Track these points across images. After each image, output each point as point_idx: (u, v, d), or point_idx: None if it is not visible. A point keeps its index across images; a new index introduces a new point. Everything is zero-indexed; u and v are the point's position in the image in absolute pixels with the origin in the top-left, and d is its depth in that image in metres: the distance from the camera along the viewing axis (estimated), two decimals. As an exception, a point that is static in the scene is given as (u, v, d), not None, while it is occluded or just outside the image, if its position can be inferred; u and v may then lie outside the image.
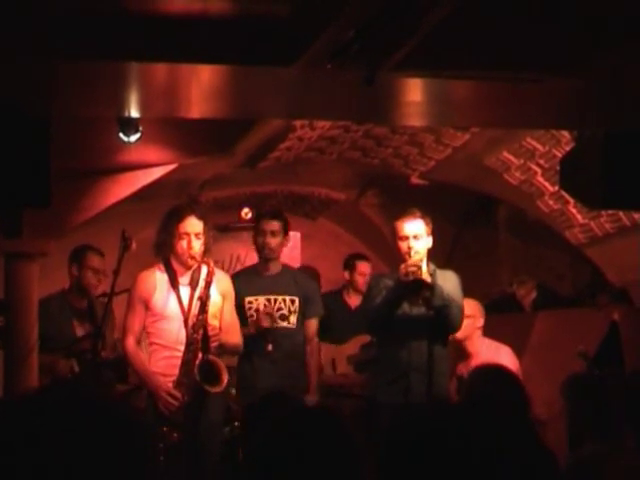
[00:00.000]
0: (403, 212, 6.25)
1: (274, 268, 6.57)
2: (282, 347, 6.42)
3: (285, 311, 6.48)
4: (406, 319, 6.19)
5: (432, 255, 6.31)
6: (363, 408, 6.63)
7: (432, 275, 6.17)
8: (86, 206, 6.95)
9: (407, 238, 6.12)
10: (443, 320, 6.10)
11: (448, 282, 6.22)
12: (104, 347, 6.58)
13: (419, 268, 6.01)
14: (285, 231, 6.54)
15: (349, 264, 8.34)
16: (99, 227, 7.37)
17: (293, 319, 6.49)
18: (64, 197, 5.98)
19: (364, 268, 8.28)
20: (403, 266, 6.05)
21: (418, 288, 6.00)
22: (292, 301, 6.51)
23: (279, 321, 6.44)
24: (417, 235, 6.12)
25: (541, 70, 4.16)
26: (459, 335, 6.53)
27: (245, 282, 6.44)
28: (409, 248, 6.10)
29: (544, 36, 3.83)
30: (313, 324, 6.61)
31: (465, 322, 6.42)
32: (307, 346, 6.56)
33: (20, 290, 6.75)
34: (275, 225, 6.50)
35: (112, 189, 6.95)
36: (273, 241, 6.48)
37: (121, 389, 6.72)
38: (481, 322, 6.78)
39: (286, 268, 6.69)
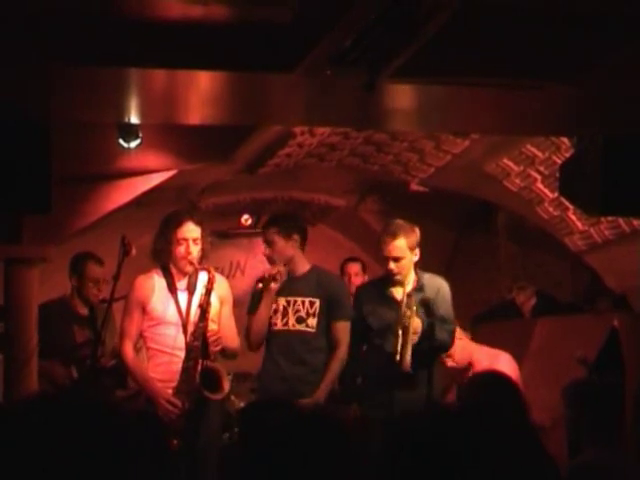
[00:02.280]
0: (386, 228, 6.21)
1: (298, 269, 6.36)
2: (294, 351, 6.29)
3: (303, 313, 6.30)
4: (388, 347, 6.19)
5: (432, 262, 6.30)
6: (357, 413, 6.58)
7: (420, 289, 6.16)
8: (86, 212, 6.94)
9: (387, 259, 6.12)
10: (433, 352, 6.15)
11: (440, 297, 6.21)
12: (104, 354, 6.57)
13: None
14: (287, 234, 6.27)
15: (341, 268, 8.36)
16: (99, 233, 7.36)
17: (312, 322, 6.29)
18: (64, 203, 5.97)
19: (350, 269, 8.28)
20: None
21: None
22: (311, 303, 6.32)
23: (296, 324, 6.36)
24: (397, 257, 6.11)
25: (540, 76, 4.16)
26: (462, 361, 6.53)
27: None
28: (390, 270, 6.12)
29: (543, 42, 3.83)
30: (340, 327, 6.32)
31: (458, 346, 6.43)
32: (334, 351, 6.32)
33: (20, 295, 6.74)
34: (269, 234, 6.31)
35: (112, 195, 6.94)
36: (268, 251, 6.30)
37: (120, 395, 6.71)
38: (464, 335, 6.75)
39: (314, 269, 6.45)
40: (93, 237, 7.40)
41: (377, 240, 6.27)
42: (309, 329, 6.29)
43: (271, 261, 6.31)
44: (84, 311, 6.86)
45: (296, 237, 6.30)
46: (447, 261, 9.37)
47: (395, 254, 6.10)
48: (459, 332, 6.56)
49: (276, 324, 6.30)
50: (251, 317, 6.32)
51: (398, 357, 5.96)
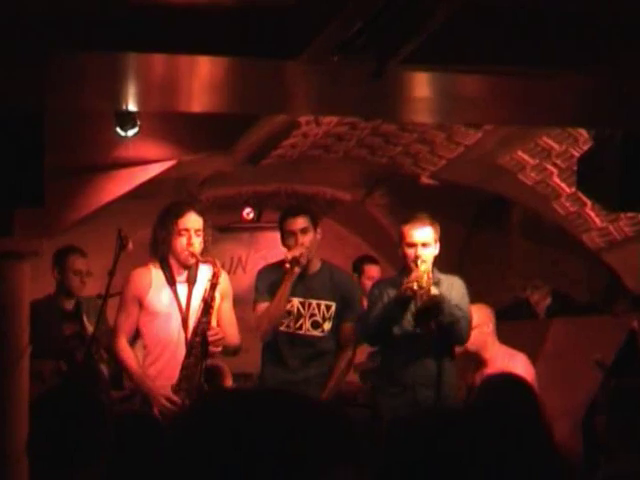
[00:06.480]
0: (411, 217, 6.25)
1: (312, 266, 6.39)
2: (306, 354, 6.32)
3: (319, 318, 6.34)
4: (410, 333, 6.19)
5: (442, 258, 6.32)
6: (367, 417, 6.60)
7: (437, 284, 6.17)
8: (80, 204, 6.94)
9: (415, 245, 6.13)
10: (450, 335, 6.13)
11: (455, 291, 6.23)
12: (97, 351, 6.59)
13: (421, 287, 6.00)
14: (315, 225, 6.33)
15: (357, 267, 8.34)
16: (94, 226, 7.37)
17: (327, 326, 6.34)
18: (57, 194, 5.98)
19: (372, 272, 8.27)
20: (405, 282, 6.05)
21: (424, 317, 6.00)
22: (328, 307, 6.35)
23: (311, 329, 6.35)
24: (425, 243, 6.14)
25: (556, 64, 4.16)
26: (471, 346, 6.56)
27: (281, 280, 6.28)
28: (417, 257, 6.11)
29: (559, 29, 3.83)
30: (350, 329, 6.39)
31: (476, 331, 6.45)
32: (341, 351, 6.39)
33: (10, 291, 6.73)
34: (302, 222, 6.29)
35: (108, 186, 6.94)
36: (306, 239, 6.26)
37: (115, 395, 6.73)
38: (492, 327, 6.79)
39: (325, 265, 6.49)
40: (88, 230, 7.41)
41: (398, 232, 6.29)
42: (323, 334, 6.32)
43: (299, 251, 6.22)
44: (70, 306, 6.93)
45: (319, 231, 6.34)
46: (458, 258, 9.37)
47: (423, 239, 6.13)
48: (486, 316, 6.60)
49: (289, 326, 6.30)
50: (260, 305, 6.30)
51: (417, 287, 5.99)
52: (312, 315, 6.31)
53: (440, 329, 6.05)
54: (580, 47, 4.06)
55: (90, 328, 6.62)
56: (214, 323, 5.91)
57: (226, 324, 6.02)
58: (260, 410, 1.62)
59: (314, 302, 6.32)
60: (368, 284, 8.01)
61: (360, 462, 1.91)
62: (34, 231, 6.68)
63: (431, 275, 6.15)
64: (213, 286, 5.85)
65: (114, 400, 6.59)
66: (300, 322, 6.30)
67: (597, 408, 7.18)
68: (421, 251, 6.12)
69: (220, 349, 5.91)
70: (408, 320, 6.19)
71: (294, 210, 6.44)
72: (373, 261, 8.51)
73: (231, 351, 6.12)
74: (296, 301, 6.30)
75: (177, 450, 1.57)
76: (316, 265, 6.40)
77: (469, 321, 6.23)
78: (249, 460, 1.53)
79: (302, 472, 1.55)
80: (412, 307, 6.11)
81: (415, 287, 5.99)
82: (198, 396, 5.65)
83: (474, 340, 6.51)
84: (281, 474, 1.53)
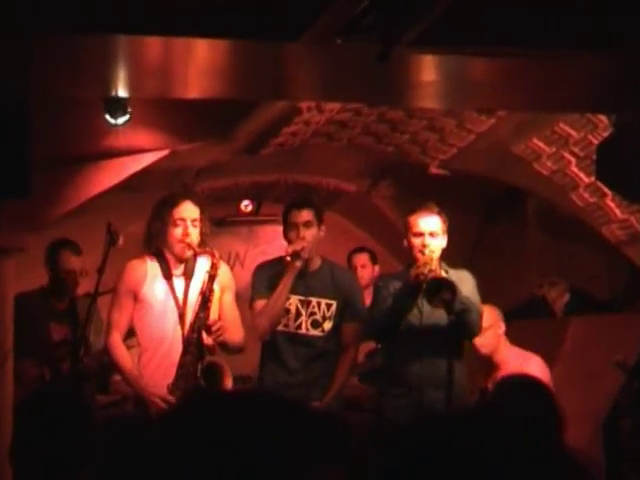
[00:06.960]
0: (419, 206, 6.27)
1: (312, 263, 6.38)
2: (307, 354, 6.33)
3: (319, 317, 6.34)
4: (417, 328, 6.19)
5: (452, 253, 6.33)
6: (370, 421, 6.62)
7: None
8: (68, 196, 6.95)
9: (422, 235, 6.15)
10: (462, 326, 6.12)
11: (464, 284, 6.23)
12: (87, 353, 6.58)
13: (431, 270, 6.00)
14: (319, 221, 6.34)
15: (347, 260, 8.37)
16: (82, 220, 7.38)
17: (327, 326, 6.35)
18: (44, 186, 5.98)
19: (358, 260, 8.31)
20: (414, 268, 6.06)
21: (436, 289, 5.99)
22: (328, 306, 6.36)
23: (310, 328, 6.38)
24: (433, 232, 6.15)
25: (574, 45, 4.16)
26: (485, 349, 6.57)
27: (280, 277, 6.27)
28: (424, 246, 6.12)
29: (576, 7, 3.83)
30: (352, 330, 6.40)
31: (489, 332, 6.46)
32: (343, 354, 6.39)
33: (-6, 289, 6.75)
34: (306, 215, 6.30)
35: (97, 177, 6.95)
36: (308, 233, 6.26)
37: (102, 401, 6.72)
38: (502, 328, 6.80)
39: (325, 263, 6.48)
40: (76, 225, 7.41)
41: (404, 223, 6.30)
42: (323, 333, 6.33)
43: (300, 245, 6.22)
44: (62, 305, 6.89)
45: (323, 228, 6.35)
46: (470, 253, 9.38)
47: (431, 229, 6.16)
48: (496, 317, 6.63)
49: (288, 325, 6.32)
50: (258, 302, 6.31)
51: (426, 269, 5.99)
52: (312, 314, 6.33)
53: (451, 323, 6.04)
54: (596, 26, 4.06)
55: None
56: (215, 315, 5.90)
57: (228, 319, 6.01)
58: (247, 413, 1.64)
59: (314, 300, 6.34)
60: (357, 273, 8.00)
61: (353, 464, 1.93)
62: (18, 225, 6.68)
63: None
64: (211, 278, 5.85)
65: (100, 405, 6.59)
66: (299, 321, 6.32)
67: (619, 412, 7.21)
68: (428, 240, 6.13)
69: (222, 339, 5.89)
70: (414, 314, 6.20)
71: (300, 202, 6.47)
72: (360, 250, 8.53)
73: (234, 349, 6.11)
74: (295, 299, 6.32)
75: (159, 451, 1.60)
76: (316, 263, 6.42)
77: (480, 315, 6.24)
78: (233, 462, 1.56)
79: (288, 474, 1.58)
80: (420, 302, 6.12)
81: (426, 271, 5.98)
82: (183, 398, 5.64)
83: (487, 342, 6.53)
84: (267, 476, 1.56)
